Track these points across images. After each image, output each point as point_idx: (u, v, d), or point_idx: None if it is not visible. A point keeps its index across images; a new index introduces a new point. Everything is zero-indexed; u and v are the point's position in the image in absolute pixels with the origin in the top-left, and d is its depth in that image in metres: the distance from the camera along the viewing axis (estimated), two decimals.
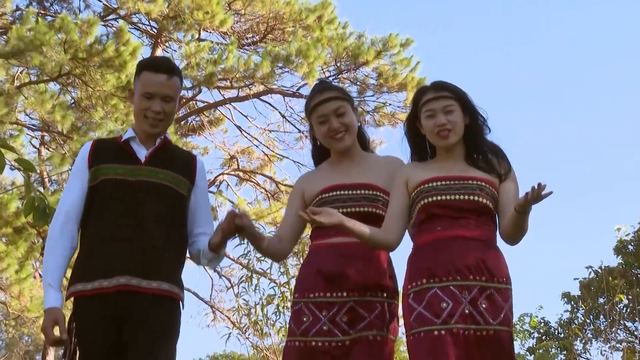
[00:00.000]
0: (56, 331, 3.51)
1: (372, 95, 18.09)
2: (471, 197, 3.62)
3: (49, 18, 16.07)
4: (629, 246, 23.15)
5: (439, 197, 3.64)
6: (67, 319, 3.56)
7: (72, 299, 3.60)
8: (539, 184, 3.29)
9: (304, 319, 3.61)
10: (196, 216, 3.81)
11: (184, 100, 19.12)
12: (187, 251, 3.83)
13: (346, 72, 17.89)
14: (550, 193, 3.31)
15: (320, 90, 3.87)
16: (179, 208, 3.73)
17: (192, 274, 22.27)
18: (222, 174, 19.40)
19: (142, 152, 3.72)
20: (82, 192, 3.70)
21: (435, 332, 3.43)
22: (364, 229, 3.61)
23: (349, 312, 3.58)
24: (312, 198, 3.80)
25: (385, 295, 3.64)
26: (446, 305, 3.46)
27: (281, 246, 3.87)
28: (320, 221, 3.47)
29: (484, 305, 3.47)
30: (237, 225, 3.52)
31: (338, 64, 17.86)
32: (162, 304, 3.56)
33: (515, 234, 3.62)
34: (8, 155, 4.20)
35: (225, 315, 18.84)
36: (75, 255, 3.75)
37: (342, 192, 3.75)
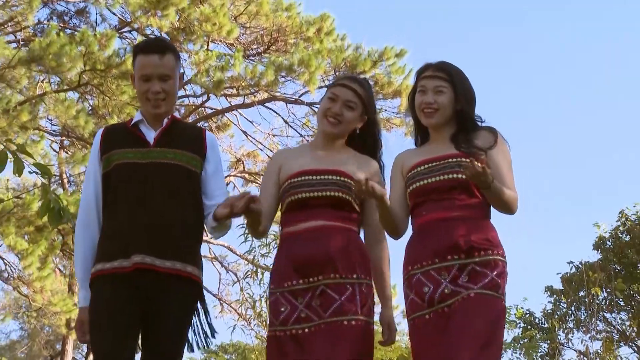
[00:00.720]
0: (82, 332, 3.50)
1: None
2: (451, 176, 3.48)
3: (68, 31, 16.03)
4: (608, 242, 23.28)
5: (421, 182, 3.53)
6: None
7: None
8: (471, 160, 3.21)
9: (282, 308, 3.47)
10: (210, 188, 3.66)
11: (194, 107, 19.29)
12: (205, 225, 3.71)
13: None
14: (483, 169, 3.20)
15: (352, 79, 3.81)
16: (191, 185, 3.59)
17: (205, 267, 22.23)
18: (229, 175, 19.35)
19: (150, 135, 3.61)
20: (97, 183, 3.62)
21: (426, 317, 3.37)
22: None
23: (321, 295, 3.43)
24: (283, 180, 3.65)
25: (355, 276, 3.46)
26: (427, 289, 3.37)
27: (264, 223, 3.66)
28: (377, 194, 3.33)
29: (465, 279, 3.36)
30: (250, 208, 3.34)
31: (337, 74, 17.85)
32: (177, 284, 3.45)
33: (497, 207, 3.51)
34: (27, 159, 4.13)
35: (232, 308, 18.92)
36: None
37: (310, 177, 3.58)
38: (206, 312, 3.68)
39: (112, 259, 3.41)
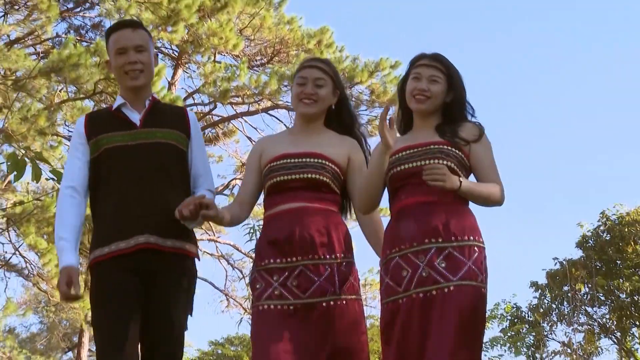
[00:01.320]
0: (70, 287, 3.28)
1: (366, 110, 18.23)
2: (432, 162, 3.31)
3: (84, 44, 16.05)
4: (590, 241, 23.36)
5: (402, 167, 3.38)
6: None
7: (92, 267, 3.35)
8: (431, 165, 3.18)
9: (257, 285, 3.35)
10: (196, 166, 3.50)
11: (201, 115, 19.22)
12: None
13: None
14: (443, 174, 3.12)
15: (315, 59, 3.67)
16: (181, 163, 3.44)
17: (209, 266, 22.23)
18: (235, 179, 19.33)
19: (135, 117, 3.42)
20: (84, 165, 3.41)
21: (400, 301, 3.23)
22: (369, 168, 3.44)
23: (298, 276, 3.28)
24: (264, 165, 3.50)
25: (334, 256, 3.32)
26: (406, 273, 3.23)
27: (242, 210, 3.55)
28: (390, 139, 3.22)
29: (442, 265, 3.20)
30: (203, 215, 3.21)
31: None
32: (178, 262, 3.33)
33: (476, 203, 3.41)
34: (45, 165, 4.11)
35: (238, 302, 19.04)
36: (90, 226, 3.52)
37: (288, 161, 3.43)
38: (193, 291, 3.51)
39: (110, 242, 3.25)
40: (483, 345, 3.39)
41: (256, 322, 3.34)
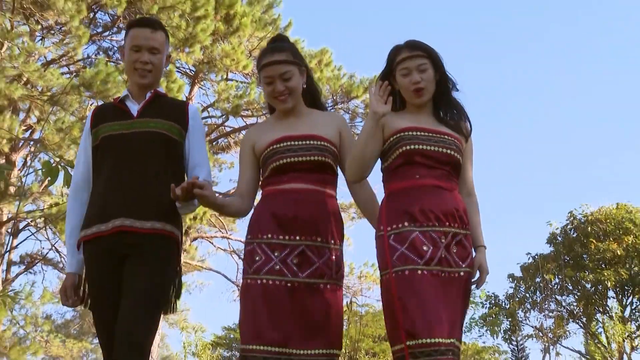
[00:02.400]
0: (65, 297, 3.20)
1: (361, 121, 18.22)
2: (448, 151, 3.19)
3: (112, 63, 16.09)
4: (559, 238, 23.50)
5: (421, 147, 3.18)
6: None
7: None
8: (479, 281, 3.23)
9: (257, 258, 3.10)
10: (193, 156, 3.30)
11: (215, 126, 19.35)
12: None
13: (340, 104, 18.12)
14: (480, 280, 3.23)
15: (271, 51, 3.28)
16: (172, 152, 3.22)
17: (222, 260, 22.30)
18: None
19: (134, 108, 3.25)
20: (88, 157, 3.27)
21: (419, 272, 3.01)
22: (378, 136, 3.23)
23: (299, 255, 3.08)
24: (262, 150, 3.25)
25: (333, 241, 3.15)
26: (427, 248, 3.04)
27: (244, 202, 3.30)
28: (384, 109, 3.08)
29: (454, 250, 3.10)
30: (196, 193, 2.99)
31: (334, 98, 18.05)
32: (156, 240, 3.08)
33: None
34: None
35: None
36: None
37: (292, 143, 3.21)
38: (180, 271, 3.28)
39: (92, 225, 3.09)
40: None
41: (255, 294, 3.06)
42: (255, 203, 3.32)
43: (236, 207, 3.30)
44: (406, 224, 3.09)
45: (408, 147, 3.18)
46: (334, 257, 3.14)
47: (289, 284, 3.03)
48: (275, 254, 3.08)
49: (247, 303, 3.06)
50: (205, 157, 3.35)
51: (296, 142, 3.21)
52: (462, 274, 3.07)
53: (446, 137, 3.23)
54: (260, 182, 3.34)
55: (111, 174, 3.13)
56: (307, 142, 3.21)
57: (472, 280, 3.17)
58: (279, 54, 3.24)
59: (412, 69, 3.22)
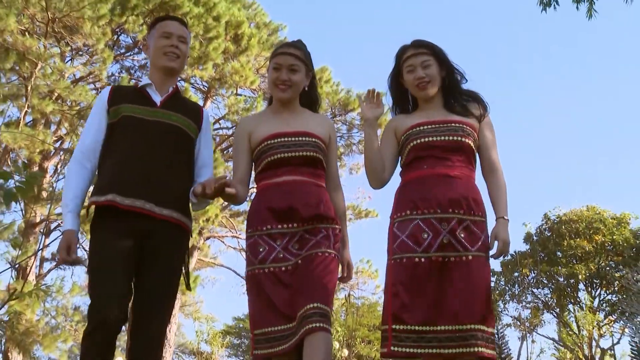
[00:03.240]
0: (69, 252, 2.94)
1: (357, 132, 18.30)
2: (455, 138, 3.07)
3: (133, 80, 16.21)
4: (534, 237, 23.59)
5: (426, 139, 3.10)
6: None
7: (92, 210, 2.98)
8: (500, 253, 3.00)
9: (260, 249, 2.99)
10: (201, 156, 3.19)
11: (226, 136, 19.12)
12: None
13: (339, 116, 18.19)
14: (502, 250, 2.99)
15: (288, 45, 3.24)
16: (188, 148, 3.12)
17: (232, 257, 22.27)
18: (253, 187, 19.43)
19: (157, 98, 3.10)
20: (100, 131, 3.05)
21: (416, 259, 2.93)
22: (375, 144, 3.19)
23: (299, 240, 2.98)
24: (257, 143, 3.14)
25: (326, 223, 3.02)
26: (427, 235, 2.95)
27: (244, 189, 3.20)
28: (373, 113, 3.12)
29: (462, 235, 2.94)
30: (226, 192, 2.91)
31: (333, 110, 18.17)
32: (173, 230, 2.98)
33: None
34: None
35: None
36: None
37: (286, 139, 3.09)
38: (188, 262, 3.13)
39: (107, 192, 2.89)
40: None
41: (260, 283, 2.97)
42: (251, 197, 3.27)
43: (241, 196, 3.16)
44: (408, 212, 3.03)
45: (415, 142, 3.12)
46: (330, 233, 3.01)
47: (291, 266, 2.93)
48: (277, 242, 2.98)
49: (257, 292, 2.97)
50: (211, 158, 3.25)
51: (290, 139, 3.10)
52: (470, 257, 2.92)
53: (454, 124, 3.11)
54: (254, 177, 3.23)
55: (129, 153, 2.97)
56: (300, 138, 3.10)
57: (491, 253, 3.01)
58: (294, 50, 3.19)
59: (416, 66, 3.17)
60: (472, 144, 3.10)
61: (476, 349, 2.81)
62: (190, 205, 3.13)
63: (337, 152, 3.21)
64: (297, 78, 3.16)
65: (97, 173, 3.04)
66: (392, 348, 2.90)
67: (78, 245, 2.98)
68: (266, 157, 3.10)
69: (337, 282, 3.03)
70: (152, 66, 3.22)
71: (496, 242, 3.03)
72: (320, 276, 2.87)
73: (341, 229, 3.14)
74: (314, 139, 3.11)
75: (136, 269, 2.88)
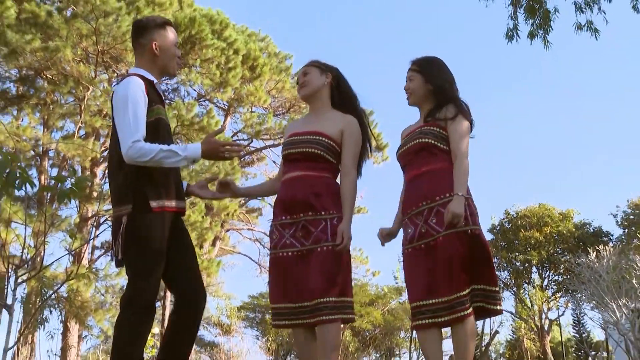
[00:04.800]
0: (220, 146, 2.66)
1: None
2: (415, 141, 2.96)
3: (167, 101, 16.34)
4: (497, 228, 23.94)
5: (402, 149, 3.06)
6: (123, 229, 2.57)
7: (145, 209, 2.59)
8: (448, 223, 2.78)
9: (274, 237, 2.95)
10: None
11: (243, 147, 19.46)
12: None
13: None
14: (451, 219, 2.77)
15: (305, 65, 3.18)
16: None
17: (248, 246, 22.40)
18: None
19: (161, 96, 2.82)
20: (145, 119, 2.61)
21: (407, 251, 2.92)
22: None
23: (302, 228, 2.88)
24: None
25: (325, 213, 2.88)
26: (410, 230, 2.91)
27: (273, 184, 3.20)
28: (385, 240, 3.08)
29: (434, 221, 2.83)
30: (222, 193, 2.90)
31: None
32: (183, 221, 2.80)
33: None
34: None
35: (266, 270, 18.98)
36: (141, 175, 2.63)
37: (295, 138, 3.00)
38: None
39: (172, 199, 2.65)
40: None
41: (275, 265, 2.94)
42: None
43: (273, 187, 3.17)
44: (404, 213, 3.00)
45: (399, 152, 3.10)
46: (328, 225, 2.87)
47: (297, 253, 2.87)
48: (286, 231, 2.92)
49: (271, 273, 2.97)
50: None
51: (298, 137, 3.01)
52: (440, 238, 2.80)
53: (418, 129, 3.02)
54: None
55: None
56: (306, 137, 2.98)
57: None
58: (308, 63, 3.17)
59: (406, 79, 3.12)
60: (433, 142, 2.94)
61: (461, 314, 2.74)
62: None
63: (353, 143, 3.00)
64: (308, 77, 3.09)
65: (140, 170, 2.60)
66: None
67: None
68: (282, 154, 3.09)
69: (345, 265, 2.89)
70: (154, 65, 2.76)
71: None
72: (326, 270, 2.80)
73: (344, 211, 2.93)
74: (317, 137, 2.96)
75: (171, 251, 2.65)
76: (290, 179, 2.96)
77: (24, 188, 3.46)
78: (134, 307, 2.47)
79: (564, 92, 51.66)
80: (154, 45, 2.74)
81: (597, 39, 6.86)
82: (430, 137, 2.93)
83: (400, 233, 3.05)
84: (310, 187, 2.91)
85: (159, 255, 2.55)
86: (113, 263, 2.63)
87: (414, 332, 3.06)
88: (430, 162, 2.93)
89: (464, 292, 2.73)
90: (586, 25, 6.85)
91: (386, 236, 3.09)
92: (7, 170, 3.33)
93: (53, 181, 3.38)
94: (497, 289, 2.87)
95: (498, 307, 2.87)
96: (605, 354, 25.28)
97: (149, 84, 2.68)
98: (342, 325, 2.93)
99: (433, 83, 3.04)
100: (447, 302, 2.73)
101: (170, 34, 2.79)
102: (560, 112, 52.87)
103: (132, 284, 2.52)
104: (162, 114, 2.68)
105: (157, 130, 2.62)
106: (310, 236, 2.86)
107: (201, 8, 16.85)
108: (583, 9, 6.82)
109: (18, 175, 3.35)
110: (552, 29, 6.90)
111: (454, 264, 2.74)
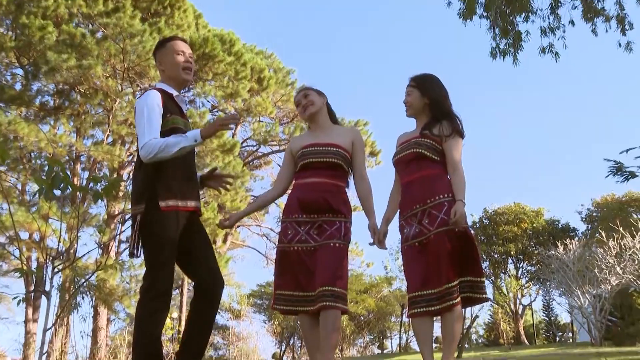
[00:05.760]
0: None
1: None
2: (410, 151, 2.97)
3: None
4: (477, 224, 23.97)
5: (397, 156, 3.06)
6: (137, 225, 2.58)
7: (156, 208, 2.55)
8: (453, 224, 2.76)
9: (289, 232, 2.93)
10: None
11: (251, 152, 19.43)
12: None
13: None
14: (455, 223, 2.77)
15: (301, 88, 3.21)
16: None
17: (256, 240, 22.37)
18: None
19: (184, 107, 2.79)
20: (159, 125, 2.60)
21: (404, 247, 2.93)
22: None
23: (318, 227, 2.90)
24: (297, 151, 3.05)
25: (340, 216, 2.92)
26: (407, 231, 2.92)
27: (282, 187, 3.14)
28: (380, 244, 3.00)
29: (426, 221, 2.85)
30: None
31: None
32: (199, 219, 2.76)
33: None
34: None
35: (272, 262, 18.95)
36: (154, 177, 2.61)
37: (316, 148, 2.99)
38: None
39: (184, 199, 2.62)
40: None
41: (288, 257, 2.93)
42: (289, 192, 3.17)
43: (276, 196, 3.14)
44: (401, 216, 3.01)
45: (394, 159, 3.11)
46: (342, 226, 2.92)
47: (311, 248, 2.89)
48: (302, 228, 2.92)
49: (283, 263, 2.94)
50: None
51: (319, 148, 3.00)
52: (432, 236, 2.81)
53: (414, 140, 3.01)
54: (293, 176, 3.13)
55: (185, 163, 2.69)
56: (326, 148, 3.00)
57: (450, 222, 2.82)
58: (303, 88, 3.19)
59: (405, 94, 3.11)
60: (426, 153, 2.95)
61: (450, 303, 2.75)
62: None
63: (362, 152, 3.10)
64: (310, 99, 3.09)
65: (155, 173, 2.60)
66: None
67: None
68: (300, 161, 3.03)
69: (347, 264, 2.93)
70: (167, 78, 2.77)
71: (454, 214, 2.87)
72: (333, 263, 2.81)
73: (366, 206, 3.01)
74: (336, 149, 2.99)
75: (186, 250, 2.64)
76: (311, 183, 2.96)
77: (61, 188, 3.48)
78: (151, 294, 2.51)
79: (535, 103, 51.64)
80: (160, 63, 2.79)
81: (557, 61, 7.08)
82: (423, 148, 2.94)
83: (394, 231, 3.09)
84: (329, 192, 2.93)
85: (169, 250, 2.53)
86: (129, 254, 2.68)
87: (404, 316, 3.14)
88: (422, 169, 2.93)
89: (453, 284, 2.74)
90: (548, 48, 7.09)
91: (383, 240, 3.03)
92: (52, 174, 3.39)
93: (90, 182, 3.34)
94: (482, 279, 2.89)
95: (484, 296, 2.89)
96: (570, 334, 25.36)
97: (167, 97, 2.68)
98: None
99: (429, 96, 3.04)
100: (438, 292, 2.75)
101: (170, 47, 2.77)
102: (532, 120, 52.90)
103: (148, 275, 2.54)
104: (178, 124, 2.64)
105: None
106: (324, 234, 2.87)
107: (214, 29, 16.97)
108: (547, 33, 7.03)
109: (61, 178, 3.39)
110: (523, 48, 7.18)
111: (444, 259, 2.75)
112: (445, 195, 2.85)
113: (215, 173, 2.89)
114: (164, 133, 2.56)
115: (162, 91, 2.69)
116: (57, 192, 3.41)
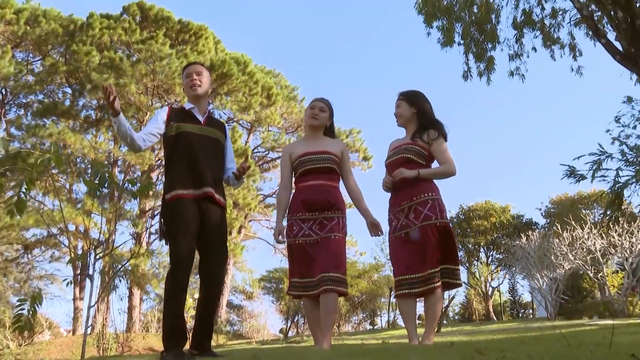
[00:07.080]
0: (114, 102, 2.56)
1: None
2: (400, 155, 2.96)
3: None
4: (455, 220, 23.93)
5: (389, 160, 3.03)
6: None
7: (167, 199, 2.68)
8: (393, 176, 2.87)
9: (295, 228, 2.89)
10: (228, 156, 2.96)
11: (262, 156, 19.36)
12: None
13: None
14: (396, 176, 2.86)
15: (321, 99, 3.13)
16: (220, 151, 2.89)
17: (265, 232, 22.39)
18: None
19: (200, 117, 2.83)
20: (152, 133, 2.74)
21: (392, 238, 2.93)
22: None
23: (319, 223, 2.87)
24: (295, 159, 3.01)
25: (338, 212, 2.90)
26: (394, 223, 2.92)
27: (288, 190, 3.08)
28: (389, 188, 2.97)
29: (412, 216, 2.85)
30: (245, 167, 2.88)
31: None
32: (219, 208, 2.78)
33: (438, 179, 2.98)
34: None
35: (280, 251, 19.21)
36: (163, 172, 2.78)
37: (313, 156, 2.97)
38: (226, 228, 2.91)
39: (189, 188, 2.68)
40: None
41: (294, 250, 2.93)
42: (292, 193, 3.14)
43: (287, 197, 3.08)
44: (391, 210, 3.01)
45: (386, 162, 3.07)
46: (340, 221, 2.91)
47: (313, 241, 2.88)
48: (305, 224, 2.90)
49: (292, 255, 2.96)
50: (233, 158, 3.04)
51: (315, 155, 2.99)
52: (417, 229, 2.82)
53: (403, 146, 3.00)
54: (294, 181, 3.10)
55: (194, 156, 2.73)
56: (322, 155, 2.99)
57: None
58: (324, 101, 3.15)
59: (395, 107, 3.11)
60: (414, 158, 2.95)
61: (432, 286, 2.77)
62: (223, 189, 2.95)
63: (348, 159, 3.14)
64: (324, 115, 3.08)
65: (165, 171, 2.78)
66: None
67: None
68: (300, 168, 3.00)
69: (345, 253, 2.94)
70: (187, 96, 2.95)
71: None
72: (334, 252, 2.82)
73: (365, 210, 3.00)
74: (329, 155, 2.99)
75: (200, 233, 2.70)
76: (312, 185, 2.94)
77: (107, 187, 3.60)
78: (171, 263, 2.61)
79: (504, 113, 51.55)
80: (182, 85, 2.99)
81: (523, 82, 7.29)
82: (412, 153, 2.95)
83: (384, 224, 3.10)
84: (328, 192, 2.92)
85: (181, 229, 2.62)
86: (163, 243, 2.77)
87: (392, 297, 3.15)
88: (408, 178, 2.90)
89: (435, 270, 2.75)
90: (515, 71, 7.31)
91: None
92: (98, 175, 3.50)
93: (125, 183, 3.47)
94: (458, 268, 2.90)
95: (458, 282, 2.90)
96: (531, 311, 25.43)
97: (178, 111, 2.85)
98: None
99: (416, 107, 3.03)
100: (422, 277, 2.76)
101: (184, 73, 2.95)
102: (501, 127, 52.76)
103: (169, 250, 2.67)
104: (185, 128, 2.76)
105: (177, 141, 2.74)
106: (325, 228, 2.86)
107: (231, 52, 17.14)
108: (513, 59, 7.23)
109: (107, 178, 3.53)
110: (495, 70, 7.46)
111: (427, 248, 2.77)
112: (430, 194, 2.86)
113: (241, 164, 2.98)
114: (170, 137, 2.74)
115: (174, 107, 2.90)
116: (104, 190, 3.51)
